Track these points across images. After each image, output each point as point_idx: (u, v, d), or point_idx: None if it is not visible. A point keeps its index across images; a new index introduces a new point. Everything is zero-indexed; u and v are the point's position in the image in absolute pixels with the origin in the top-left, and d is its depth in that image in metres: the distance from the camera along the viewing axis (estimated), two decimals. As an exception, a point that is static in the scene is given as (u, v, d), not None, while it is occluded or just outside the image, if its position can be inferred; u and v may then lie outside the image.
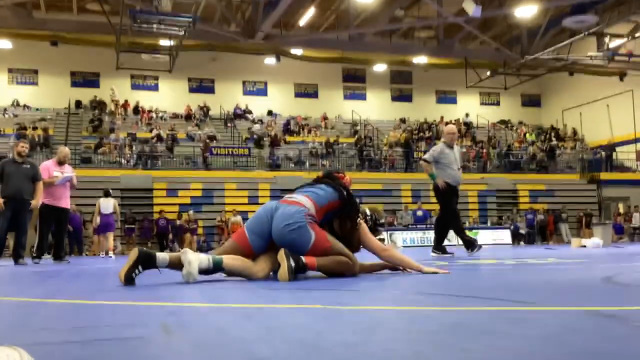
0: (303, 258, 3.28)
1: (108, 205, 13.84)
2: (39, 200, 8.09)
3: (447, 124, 28.22)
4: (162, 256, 3.25)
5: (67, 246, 14.01)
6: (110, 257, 13.25)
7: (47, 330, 1.74)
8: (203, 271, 3.29)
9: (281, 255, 3.23)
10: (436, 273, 3.77)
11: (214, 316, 1.94)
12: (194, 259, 3.23)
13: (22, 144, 8.31)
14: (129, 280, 3.13)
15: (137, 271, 3.17)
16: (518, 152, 26.13)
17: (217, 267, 3.30)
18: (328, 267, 3.45)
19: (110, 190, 15.03)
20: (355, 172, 22.66)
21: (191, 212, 18.73)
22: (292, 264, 3.20)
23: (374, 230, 3.95)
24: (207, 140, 21.73)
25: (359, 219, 3.74)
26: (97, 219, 14.09)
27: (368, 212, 3.99)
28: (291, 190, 3.77)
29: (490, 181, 23.19)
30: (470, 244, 7.54)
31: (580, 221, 21.82)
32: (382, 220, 4.15)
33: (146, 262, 3.19)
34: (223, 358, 1.26)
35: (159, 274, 3.40)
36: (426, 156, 8.02)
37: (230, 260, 3.34)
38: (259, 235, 3.46)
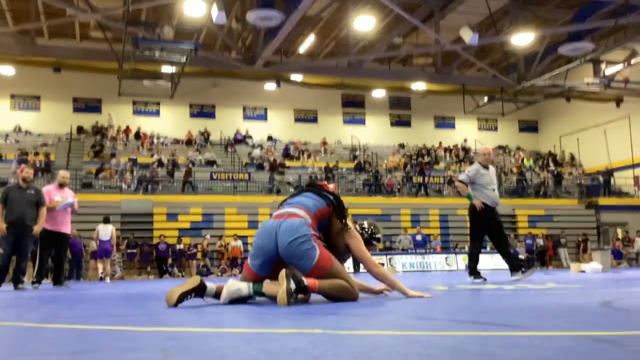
0: (305, 280, 3.23)
1: (107, 231, 13.95)
2: (41, 225, 8.10)
3: (445, 148, 28.54)
4: (210, 286, 3.41)
5: (67, 271, 13.98)
6: (107, 282, 13.25)
7: (46, 355, 1.74)
8: (244, 297, 3.41)
9: (281, 276, 3.17)
10: (421, 297, 3.77)
11: (213, 340, 1.95)
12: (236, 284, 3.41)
13: (27, 169, 8.34)
14: (179, 301, 3.22)
15: (189, 296, 3.28)
16: (519, 177, 26.19)
17: (257, 293, 3.41)
18: (329, 291, 3.41)
19: (110, 217, 15.11)
20: (355, 196, 22.69)
21: (208, 236, 18.84)
22: (293, 286, 3.15)
23: (369, 243, 3.93)
24: (190, 166, 21.94)
25: (349, 223, 3.72)
26: (94, 245, 14.22)
27: (365, 225, 4.00)
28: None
29: (490, 206, 23.18)
30: (515, 267, 7.42)
31: (579, 246, 21.77)
32: (379, 235, 4.09)
33: (201, 291, 3.33)
34: (222, 381, 1.27)
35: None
36: (462, 177, 7.87)
37: (269, 286, 3.40)
38: (263, 257, 3.44)
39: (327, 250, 3.45)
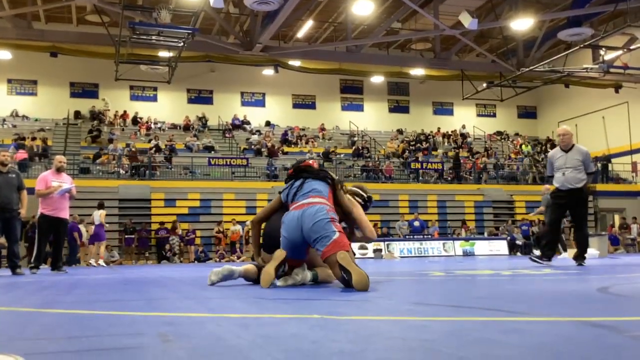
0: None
1: (96, 216, 14.30)
2: (26, 208, 8.07)
3: (443, 134, 28.54)
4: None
5: (65, 256, 14.03)
6: (95, 266, 13.42)
7: (44, 340, 1.74)
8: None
9: (277, 255, 3.59)
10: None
11: (211, 325, 1.95)
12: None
13: (3, 152, 8.19)
14: (276, 272, 3.53)
15: (283, 268, 3.60)
16: (514, 163, 26.21)
17: (314, 279, 3.80)
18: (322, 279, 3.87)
19: (104, 203, 15.24)
20: (353, 182, 22.66)
21: (239, 227, 18.69)
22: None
23: (365, 207, 4.24)
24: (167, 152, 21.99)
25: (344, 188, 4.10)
26: (90, 229, 14.53)
27: (364, 194, 4.31)
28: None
29: (487, 192, 23.25)
30: (542, 255, 7.29)
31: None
32: (369, 194, 4.36)
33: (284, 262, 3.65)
34: (220, 367, 1.27)
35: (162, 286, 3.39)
36: (547, 171, 7.72)
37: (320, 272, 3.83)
38: (294, 246, 3.67)
39: (345, 236, 3.65)
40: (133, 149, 21.48)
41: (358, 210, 4.04)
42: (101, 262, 14.27)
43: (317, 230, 3.52)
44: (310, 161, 4.41)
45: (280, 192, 4.06)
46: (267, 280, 3.45)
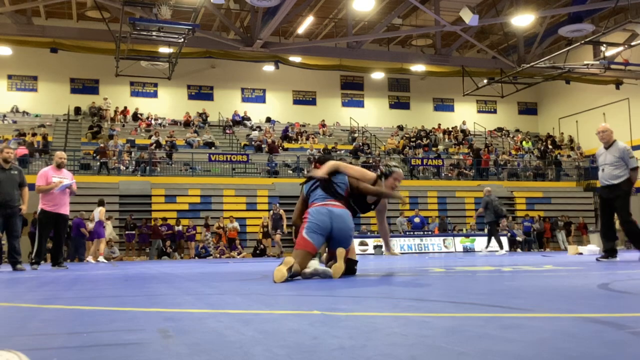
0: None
1: (96, 213, 14.36)
2: (27, 205, 8.09)
3: (444, 131, 28.53)
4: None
5: (66, 252, 14.09)
6: (102, 262, 13.47)
7: (45, 336, 1.74)
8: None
9: (340, 252, 4.35)
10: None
11: (211, 321, 1.95)
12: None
13: (7, 149, 8.20)
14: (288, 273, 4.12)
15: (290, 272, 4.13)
16: (515, 159, 26.19)
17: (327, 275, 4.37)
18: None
19: (104, 200, 15.27)
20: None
21: (236, 224, 18.77)
22: (342, 266, 4.33)
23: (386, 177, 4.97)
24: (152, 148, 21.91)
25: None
26: (90, 226, 14.59)
27: (382, 167, 5.17)
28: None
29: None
30: (608, 252, 7.35)
31: (578, 227, 21.94)
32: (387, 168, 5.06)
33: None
34: (221, 362, 1.27)
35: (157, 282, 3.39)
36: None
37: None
38: (320, 234, 4.44)
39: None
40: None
41: (360, 185, 4.72)
42: (101, 258, 14.32)
43: (345, 236, 4.52)
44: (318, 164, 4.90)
45: (302, 185, 4.85)
46: (279, 277, 3.86)
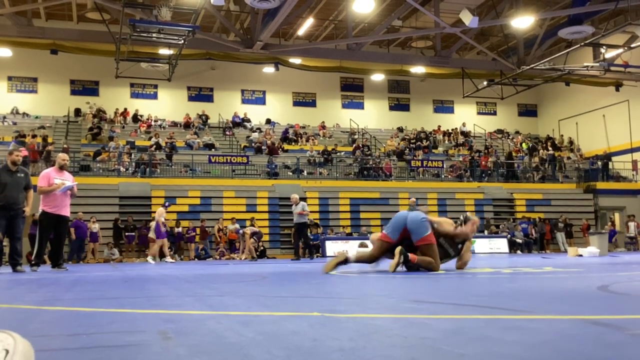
0: (409, 255, 5.20)
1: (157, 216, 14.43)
2: (31, 207, 8.09)
3: (444, 132, 28.53)
4: (349, 257, 5.48)
5: (66, 254, 14.09)
6: (169, 262, 13.60)
7: (45, 337, 1.74)
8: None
9: (397, 251, 5.15)
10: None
11: (211, 323, 1.95)
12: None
13: (16, 152, 8.21)
14: (334, 268, 5.29)
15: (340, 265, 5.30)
16: (515, 161, 26.19)
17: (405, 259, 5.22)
18: (420, 263, 5.28)
19: (166, 202, 15.36)
20: (353, 180, 22.68)
21: (237, 225, 18.78)
22: (401, 260, 5.13)
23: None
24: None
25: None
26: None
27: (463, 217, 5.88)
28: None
29: (487, 190, 23.25)
30: None
31: (581, 229, 21.95)
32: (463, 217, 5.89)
33: (346, 261, 5.38)
34: (221, 364, 1.27)
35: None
36: None
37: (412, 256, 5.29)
38: (396, 230, 5.43)
39: (433, 235, 5.43)
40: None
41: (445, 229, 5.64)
42: (167, 259, 14.52)
43: (417, 225, 5.36)
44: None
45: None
46: (328, 267, 5.13)
